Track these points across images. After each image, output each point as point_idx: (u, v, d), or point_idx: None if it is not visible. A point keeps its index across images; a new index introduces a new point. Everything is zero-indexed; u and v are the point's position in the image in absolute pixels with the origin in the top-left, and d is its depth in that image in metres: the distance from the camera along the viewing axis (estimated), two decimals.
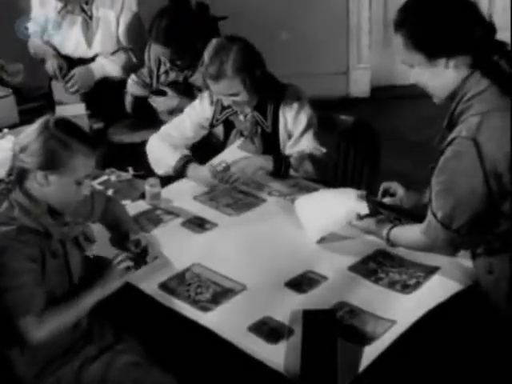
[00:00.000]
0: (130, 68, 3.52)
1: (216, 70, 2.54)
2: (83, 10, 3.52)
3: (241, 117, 2.78)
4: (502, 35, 1.84)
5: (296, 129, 2.71)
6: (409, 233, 2.04)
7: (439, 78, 1.85)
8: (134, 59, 3.55)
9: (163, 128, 2.88)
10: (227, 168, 2.61)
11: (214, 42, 2.61)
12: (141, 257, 2.08)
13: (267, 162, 2.63)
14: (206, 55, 2.59)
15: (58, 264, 1.91)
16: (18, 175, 1.86)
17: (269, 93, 2.70)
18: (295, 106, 2.70)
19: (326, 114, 2.94)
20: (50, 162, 1.83)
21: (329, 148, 2.72)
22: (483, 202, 1.78)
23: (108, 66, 3.59)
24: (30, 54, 3.72)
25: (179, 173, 2.72)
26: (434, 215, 1.86)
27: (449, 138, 1.81)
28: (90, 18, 3.53)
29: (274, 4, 5.00)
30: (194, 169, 2.70)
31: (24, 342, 1.81)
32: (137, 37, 3.51)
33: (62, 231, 1.92)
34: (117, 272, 1.97)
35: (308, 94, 2.78)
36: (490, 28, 1.83)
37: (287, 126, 2.73)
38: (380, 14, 5.30)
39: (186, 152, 2.77)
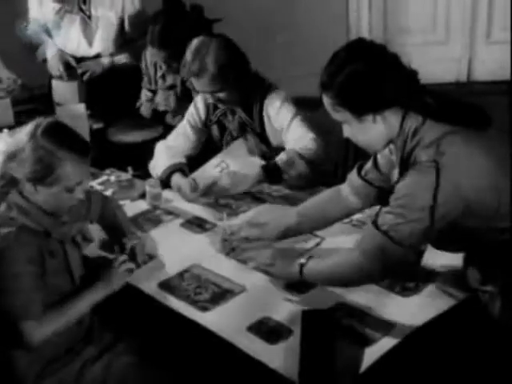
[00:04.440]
0: (138, 57, 3.51)
1: (198, 67, 2.53)
2: (81, 10, 3.53)
3: (229, 117, 2.77)
4: (502, 35, 1.82)
5: (283, 120, 2.65)
6: (331, 260, 1.95)
7: (368, 132, 1.85)
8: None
9: (170, 136, 2.87)
10: (213, 184, 2.56)
11: (194, 40, 2.61)
12: (132, 259, 2.06)
13: (259, 173, 2.56)
14: (188, 54, 2.58)
15: (59, 264, 1.91)
16: (9, 182, 1.84)
17: (253, 91, 2.68)
18: (277, 103, 2.67)
19: (327, 114, 2.93)
20: (38, 174, 1.80)
21: (329, 147, 2.71)
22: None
23: (116, 56, 3.63)
24: (34, 55, 3.74)
25: (165, 183, 2.67)
26: (385, 231, 1.79)
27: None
28: (89, 17, 3.54)
29: (274, 5, 4.99)
30: (174, 181, 2.66)
31: (23, 345, 1.81)
32: (143, 27, 3.48)
33: (61, 231, 1.92)
34: (118, 273, 1.97)
35: (308, 94, 2.76)
36: (413, 77, 1.82)
37: (272, 124, 2.69)
38: (380, 14, 5.29)
39: (177, 160, 2.72)
